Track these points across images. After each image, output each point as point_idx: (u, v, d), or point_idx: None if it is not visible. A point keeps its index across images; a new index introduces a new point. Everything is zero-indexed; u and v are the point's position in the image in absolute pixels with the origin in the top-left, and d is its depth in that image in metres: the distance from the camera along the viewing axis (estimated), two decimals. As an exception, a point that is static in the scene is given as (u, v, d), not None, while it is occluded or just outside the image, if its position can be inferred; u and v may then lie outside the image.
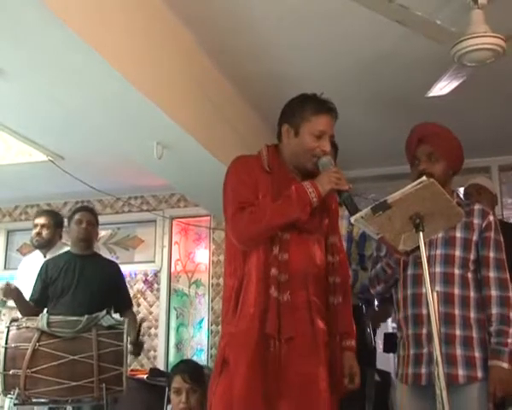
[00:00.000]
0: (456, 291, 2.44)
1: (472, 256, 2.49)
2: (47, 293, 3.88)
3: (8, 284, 3.73)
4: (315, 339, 2.22)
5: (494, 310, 2.42)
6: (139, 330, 4.81)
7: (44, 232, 4.34)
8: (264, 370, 2.13)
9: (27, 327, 3.15)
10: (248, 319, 2.20)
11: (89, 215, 4.06)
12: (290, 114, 2.36)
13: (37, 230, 4.36)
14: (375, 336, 4.32)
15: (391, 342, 3.77)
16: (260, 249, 2.24)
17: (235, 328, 2.24)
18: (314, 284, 2.27)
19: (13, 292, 3.71)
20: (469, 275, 2.48)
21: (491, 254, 2.48)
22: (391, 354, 4.68)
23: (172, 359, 6.09)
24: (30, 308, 3.75)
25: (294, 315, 2.19)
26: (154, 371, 5.36)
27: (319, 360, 2.21)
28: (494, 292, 2.43)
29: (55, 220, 4.44)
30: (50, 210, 5.05)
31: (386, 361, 4.96)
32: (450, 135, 2.64)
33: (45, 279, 3.91)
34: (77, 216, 4.01)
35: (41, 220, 4.38)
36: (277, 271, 2.19)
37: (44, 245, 4.35)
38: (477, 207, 2.57)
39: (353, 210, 2.19)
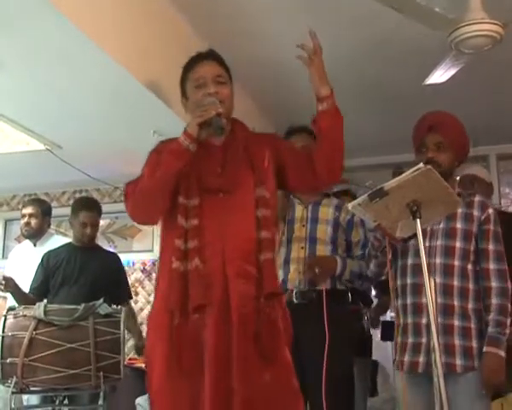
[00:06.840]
0: (456, 283, 2.45)
1: (472, 247, 2.49)
2: (47, 284, 3.88)
3: (5, 277, 3.70)
4: (227, 304, 2.02)
5: (494, 300, 2.42)
6: None
7: (33, 222, 4.32)
8: (179, 347, 2.00)
9: (24, 316, 3.14)
10: (159, 299, 2.13)
11: (94, 216, 3.98)
12: (180, 89, 2.30)
13: (25, 220, 4.33)
14: (373, 326, 4.33)
15: (389, 331, 3.77)
16: (167, 221, 2.15)
17: (151, 311, 2.19)
18: (236, 246, 2.08)
19: (11, 283, 3.68)
20: (469, 266, 2.48)
21: (491, 247, 2.48)
22: (388, 343, 4.71)
23: (170, 348, 6.07)
24: (29, 299, 3.70)
25: (206, 282, 2.03)
26: (152, 360, 5.36)
27: (231, 324, 2.01)
28: (494, 283, 2.44)
29: (43, 209, 4.42)
30: (37, 199, 4.99)
31: (384, 350, 4.98)
32: (460, 126, 2.63)
33: (46, 270, 3.91)
34: (81, 218, 3.93)
35: (29, 210, 4.36)
36: (181, 240, 2.05)
37: (34, 235, 4.35)
38: (477, 199, 2.56)
39: (217, 131, 2.06)
